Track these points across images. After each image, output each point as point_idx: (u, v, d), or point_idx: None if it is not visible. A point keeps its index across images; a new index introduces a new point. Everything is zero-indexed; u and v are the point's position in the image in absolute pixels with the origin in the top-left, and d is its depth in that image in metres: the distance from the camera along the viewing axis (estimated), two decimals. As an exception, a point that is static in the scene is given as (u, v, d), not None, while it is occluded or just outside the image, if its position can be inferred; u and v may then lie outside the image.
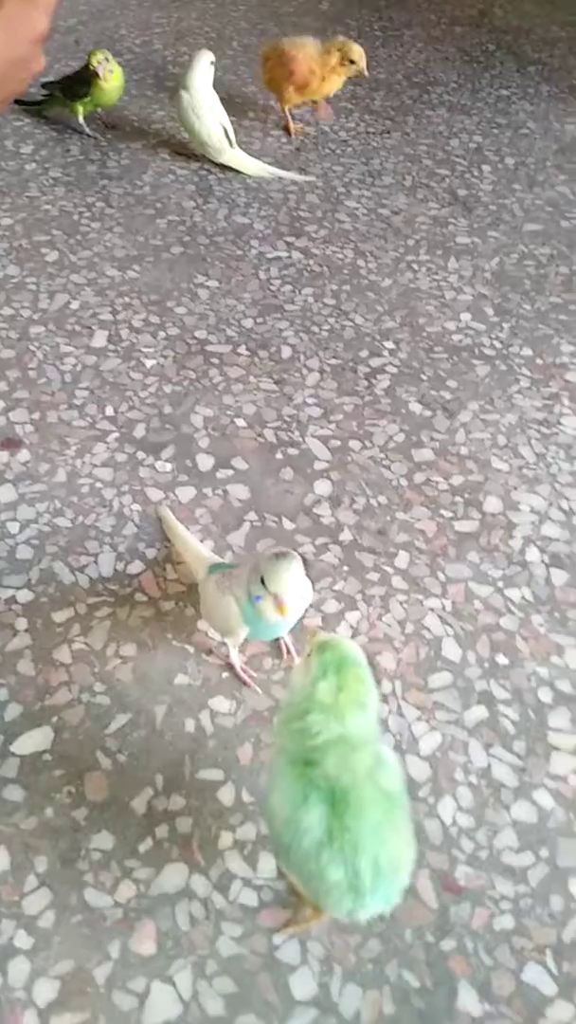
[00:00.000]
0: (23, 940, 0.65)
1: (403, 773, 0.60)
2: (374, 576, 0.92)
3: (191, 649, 0.84)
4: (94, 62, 1.53)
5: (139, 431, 1.07)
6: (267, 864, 0.70)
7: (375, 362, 1.19)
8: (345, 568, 0.93)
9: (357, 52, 1.57)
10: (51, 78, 1.72)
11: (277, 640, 0.85)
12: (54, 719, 0.78)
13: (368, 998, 0.63)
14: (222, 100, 1.57)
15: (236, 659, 0.82)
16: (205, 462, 1.04)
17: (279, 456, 1.05)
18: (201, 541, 0.93)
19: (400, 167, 1.62)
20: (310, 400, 1.13)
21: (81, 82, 1.58)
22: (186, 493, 1.00)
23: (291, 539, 0.95)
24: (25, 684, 0.80)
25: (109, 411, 1.09)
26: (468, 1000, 0.64)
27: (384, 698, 0.81)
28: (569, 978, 0.65)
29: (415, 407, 1.13)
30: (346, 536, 0.96)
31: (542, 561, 0.94)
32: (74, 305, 1.25)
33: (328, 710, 0.54)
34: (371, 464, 1.05)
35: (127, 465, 1.02)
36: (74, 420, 1.07)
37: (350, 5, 2.28)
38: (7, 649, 0.83)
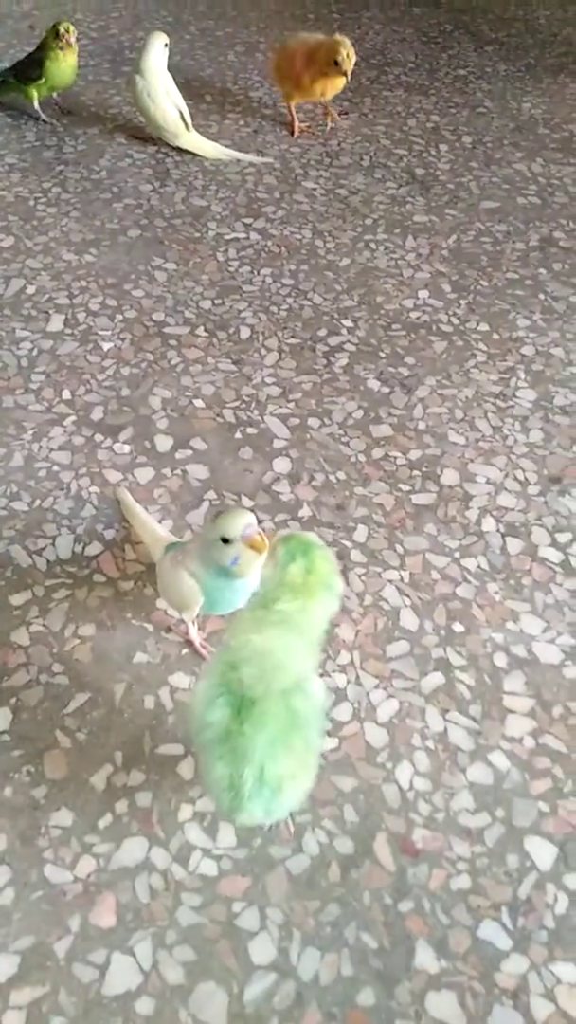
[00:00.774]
0: (-18, 918, 0.65)
1: (323, 705, 0.62)
2: (333, 550, 0.92)
3: (150, 627, 0.84)
4: (61, 29, 1.52)
5: (97, 414, 1.06)
6: (227, 834, 0.70)
7: (333, 340, 1.20)
8: (304, 544, 0.93)
9: (341, 54, 1.45)
10: (5, 64, 1.70)
11: (235, 613, 0.85)
12: (12, 700, 0.78)
13: (327, 960, 0.64)
14: (179, 84, 1.56)
15: (195, 635, 0.83)
16: (164, 443, 1.03)
17: (238, 435, 1.05)
18: (160, 521, 0.93)
19: (358, 147, 1.62)
20: (269, 379, 1.13)
21: (34, 64, 1.57)
22: (145, 474, 0.99)
23: (250, 517, 0.95)
24: (-18, 667, 0.80)
25: (66, 395, 1.08)
26: (425, 958, 0.65)
27: (342, 668, 0.82)
28: (523, 932, 0.66)
29: (373, 384, 1.13)
30: (305, 512, 0.96)
31: (498, 531, 0.95)
32: (30, 290, 1.24)
33: (298, 591, 0.56)
34: (330, 441, 1.05)
35: (85, 448, 1.02)
36: (30, 404, 1.07)
37: (308, -13, 2.27)
38: (-36, 633, 0.83)
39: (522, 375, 1.16)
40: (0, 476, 0.98)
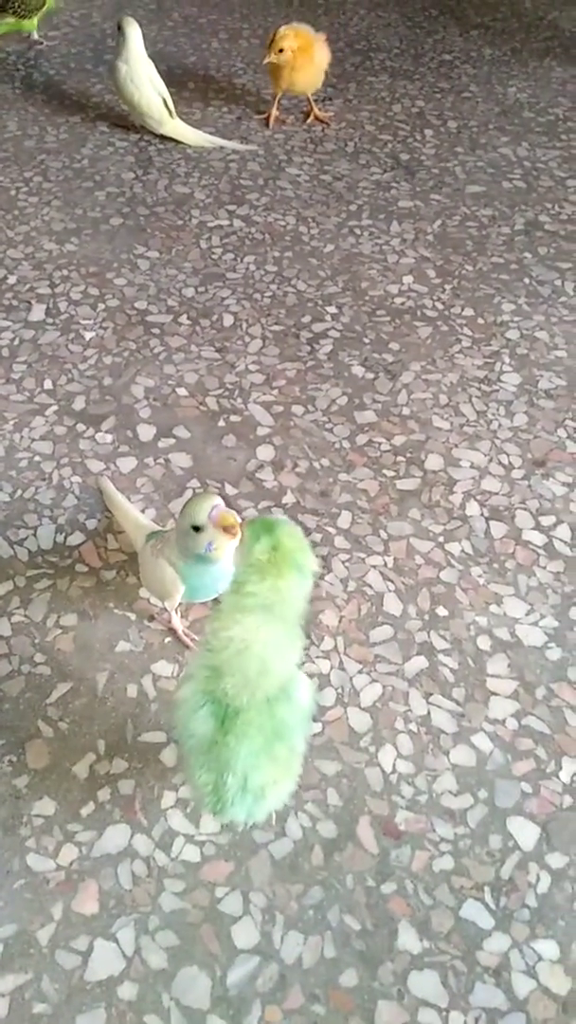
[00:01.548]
0: (-35, 907, 0.65)
1: (309, 709, 0.61)
2: (316, 537, 0.92)
3: (133, 616, 0.84)
4: None
5: (79, 403, 1.06)
6: (209, 821, 0.70)
7: (317, 327, 1.19)
8: (288, 530, 0.93)
9: (276, 43, 1.45)
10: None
11: (217, 600, 0.85)
12: (-6, 690, 0.78)
13: (310, 943, 0.64)
14: (161, 72, 1.54)
15: (178, 623, 0.82)
16: (146, 432, 1.03)
17: (221, 423, 1.04)
18: (143, 511, 0.93)
19: (342, 133, 1.61)
20: (252, 367, 1.12)
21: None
22: (127, 464, 0.99)
23: (234, 504, 0.95)
24: (-36, 657, 0.80)
25: (48, 384, 1.08)
26: (408, 939, 0.65)
27: (326, 654, 0.82)
28: (506, 911, 0.66)
29: (358, 370, 1.13)
30: (289, 499, 0.96)
31: (482, 515, 0.95)
32: (11, 280, 1.23)
33: (265, 570, 0.54)
34: (314, 428, 1.05)
35: (67, 438, 1.01)
36: (11, 395, 1.06)
37: (292, -27, 2.25)
38: (-55, 624, 0.82)
39: (507, 359, 1.15)
40: (-19, 467, 0.97)
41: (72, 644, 0.82)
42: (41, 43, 1.86)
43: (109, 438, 1.02)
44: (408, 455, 1.02)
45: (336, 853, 0.69)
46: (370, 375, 1.12)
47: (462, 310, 1.23)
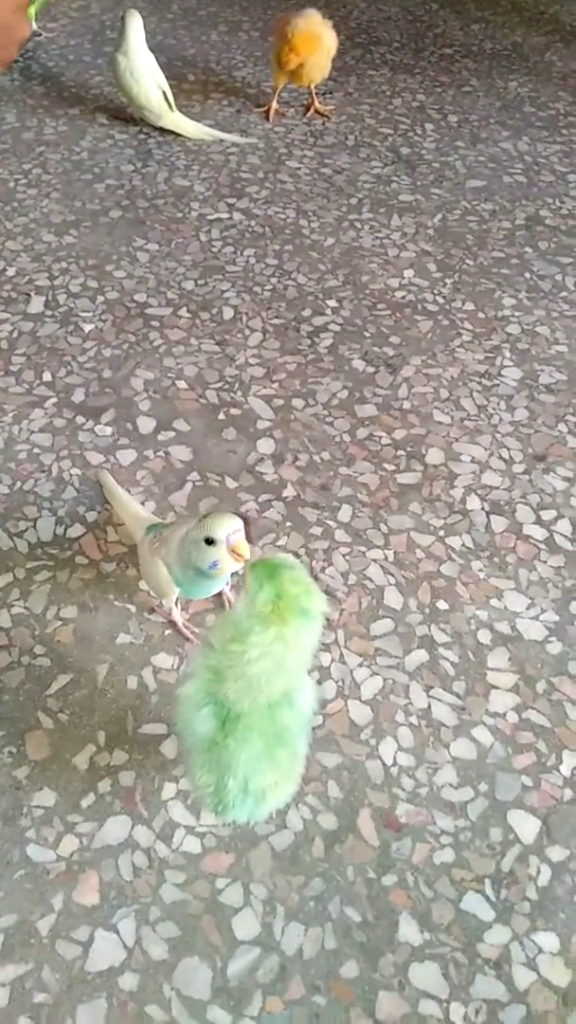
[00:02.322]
0: (-35, 898, 0.65)
1: (311, 714, 0.60)
2: (317, 530, 0.92)
3: (133, 609, 0.84)
4: None
5: (78, 396, 1.05)
6: (210, 812, 0.70)
7: (318, 321, 1.19)
8: (288, 524, 0.93)
9: (291, 42, 1.42)
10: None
11: (220, 594, 0.85)
12: (-6, 682, 0.78)
13: (310, 935, 0.64)
14: (161, 64, 1.53)
15: (178, 616, 0.82)
16: (146, 425, 1.03)
17: (221, 417, 1.04)
18: (143, 503, 0.93)
19: (343, 127, 1.61)
20: (252, 360, 1.12)
21: None
22: (127, 456, 0.99)
23: (234, 497, 0.95)
24: (-36, 649, 0.80)
25: (47, 377, 1.07)
26: (408, 931, 0.65)
27: (327, 647, 0.82)
28: (506, 904, 0.66)
29: (358, 364, 1.13)
30: (289, 492, 0.96)
31: (482, 509, 0.95)
32: (10, 272, 1.22)
33: (268, 620, 0.53)
34: (314, 421, 1.05)
35: (66, 430, 1.01)
36: (11, 387, 1.06)
37: (292, -34, 2.24)
38: (-55, 616, 0.82)
39: (507, 354, 1.15)
40: (-19, 459, 0.97)
41: (72, 636, 0.81)
42: (40, 34, 1.85)
43: (109, 431, 1.01)
44: (409, 449, 1.02)
45: (337, 845, 0.69)
46: (371, 369, 1.12)
47: (463, 304, 1.23)
